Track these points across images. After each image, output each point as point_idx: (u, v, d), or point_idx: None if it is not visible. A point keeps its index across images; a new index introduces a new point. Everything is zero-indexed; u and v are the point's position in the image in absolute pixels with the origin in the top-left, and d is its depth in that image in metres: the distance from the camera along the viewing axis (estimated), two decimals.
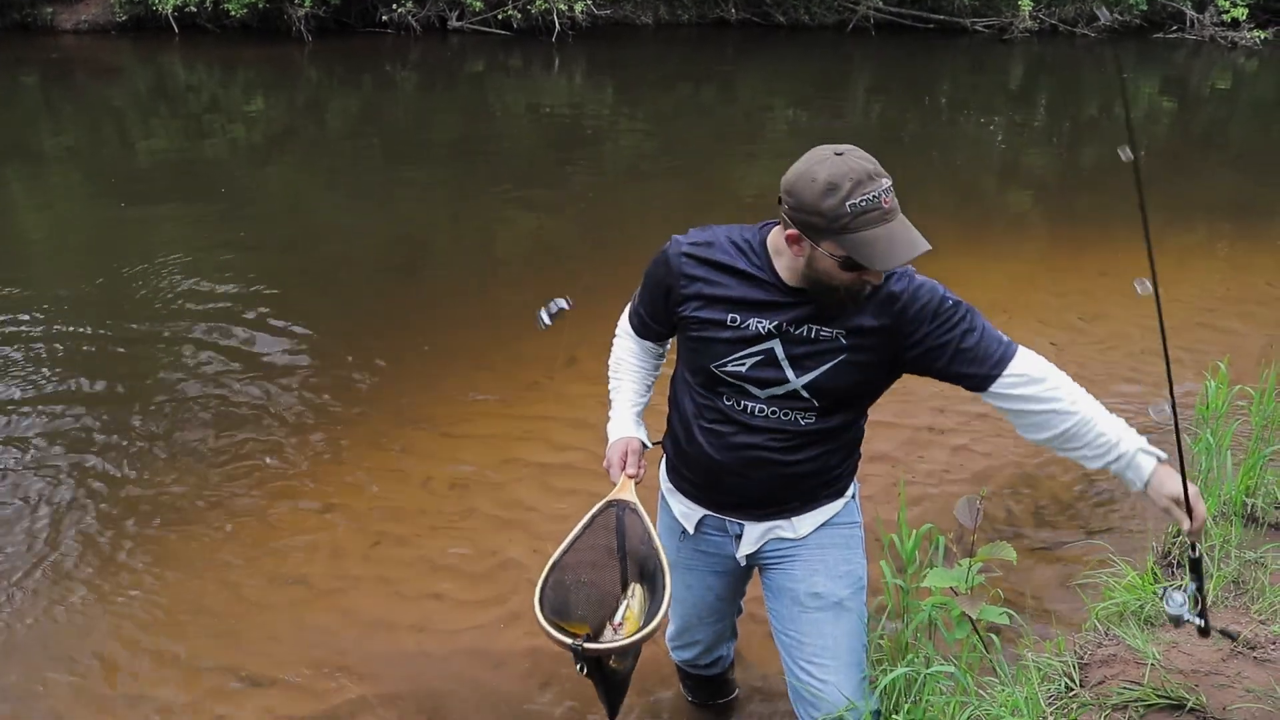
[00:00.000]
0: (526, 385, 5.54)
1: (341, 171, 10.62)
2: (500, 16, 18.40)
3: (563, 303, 2.68)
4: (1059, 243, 8.54)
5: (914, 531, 2.89)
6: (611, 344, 2.69)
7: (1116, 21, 20.03)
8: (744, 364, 2.28)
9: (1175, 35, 20.07)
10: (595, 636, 2.30)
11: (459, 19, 18.62)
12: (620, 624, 2.33)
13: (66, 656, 3.54)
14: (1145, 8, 19.91)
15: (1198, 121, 14.21)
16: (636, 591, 2.36)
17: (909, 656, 2.74)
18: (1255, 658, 2.66)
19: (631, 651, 2.30)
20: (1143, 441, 2.24)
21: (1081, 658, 2.78)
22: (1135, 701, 2.49)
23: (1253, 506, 3.63)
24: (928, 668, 2.59)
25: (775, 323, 2.24)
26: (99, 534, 4.19)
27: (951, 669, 2.55)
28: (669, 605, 2.20)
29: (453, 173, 10.71)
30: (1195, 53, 19.07)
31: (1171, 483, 2.18)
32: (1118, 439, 2.23)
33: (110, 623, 3.71)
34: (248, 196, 9.61)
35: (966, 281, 7.09)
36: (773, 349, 2.26)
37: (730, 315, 2.27)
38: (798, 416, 2.32)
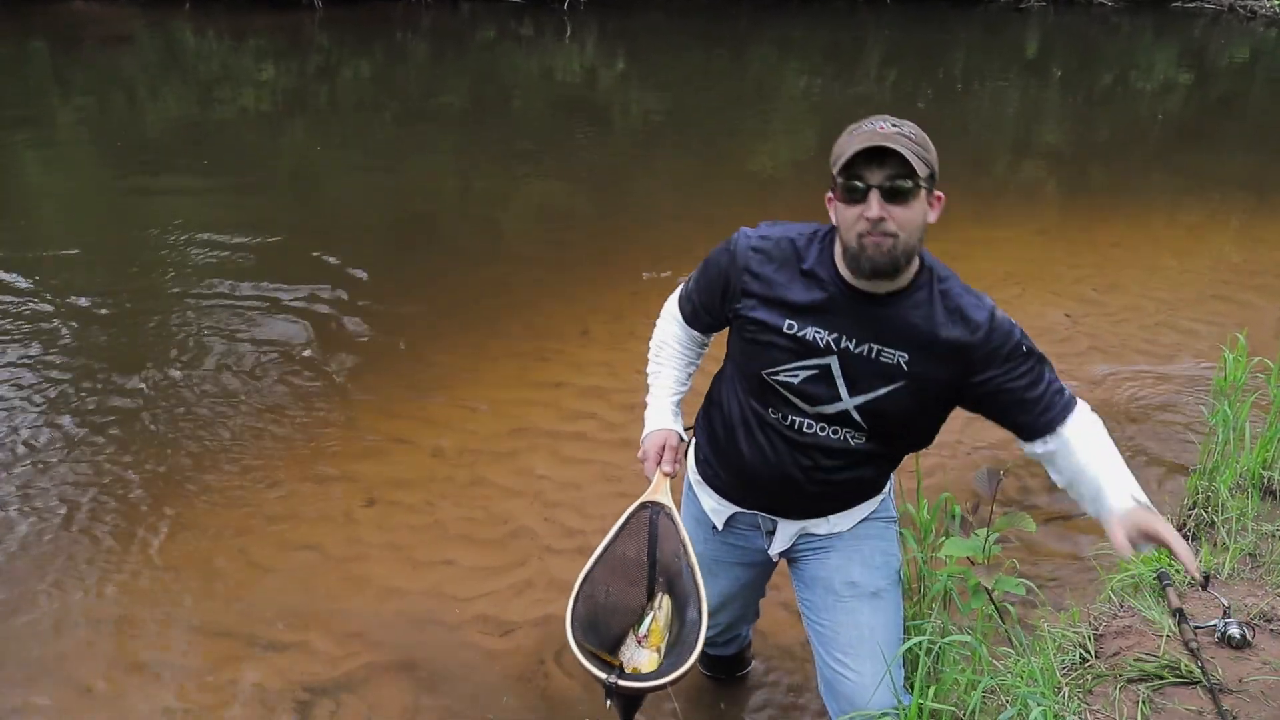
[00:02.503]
0: (538, 354, 5.52)
1: (353, 139, 10.59)
2: None
3: None
4: (1072, 214, 8.48)
5: (927, 502, 2.87)
6: (655, 323, 2.56)
7: None
8: (796, 375, 2.18)
9: (1194, 4, 19.86)
10: (618, 647, 2.22)
11: None
12: (645, 635, 2.23)
13: (78, 622, 3.54)
14: None
15: (1215, 92, 14.07)
16: (664, 603, 2.27)
17: (923, 625, 2.73)
18: (1272, 630, 2.65)
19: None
20: (1133, 492, 2.15)
21: (1096, 629, 2.77)
22: (1150, 675, 2.48)
23: (1270, 480, 3.61)
24: (943, 638, 2.58)
25: (834, 336, 2.14)
26: (107, 499, 4.20)
27: (968, 639, 2.53)
28: (704, 639, 2.09)
29: (464, 141, 10.66)
30: (1214, 22, 18.88)
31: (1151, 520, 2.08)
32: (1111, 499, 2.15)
33: (121, 588, 3.71)
34: (258, 164, 9.58)
35: (980, 253, 7.08)
36: (829, 365, 2.16)
37: (787, 321, 2.17)
38: (848, 436, 2.23)
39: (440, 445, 4.65)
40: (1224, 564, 3.07)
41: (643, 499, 2.35)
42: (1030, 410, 2.17)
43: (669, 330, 2.52)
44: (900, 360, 2.13)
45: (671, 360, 2.51)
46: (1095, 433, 2.20)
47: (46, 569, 3.78)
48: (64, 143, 10.36)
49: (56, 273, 6.59)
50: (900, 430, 2.26)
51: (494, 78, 13.98)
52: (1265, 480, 3.61)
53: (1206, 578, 2.83)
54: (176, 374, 5.22)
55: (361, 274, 6.63)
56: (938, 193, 2.10)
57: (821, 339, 2.15)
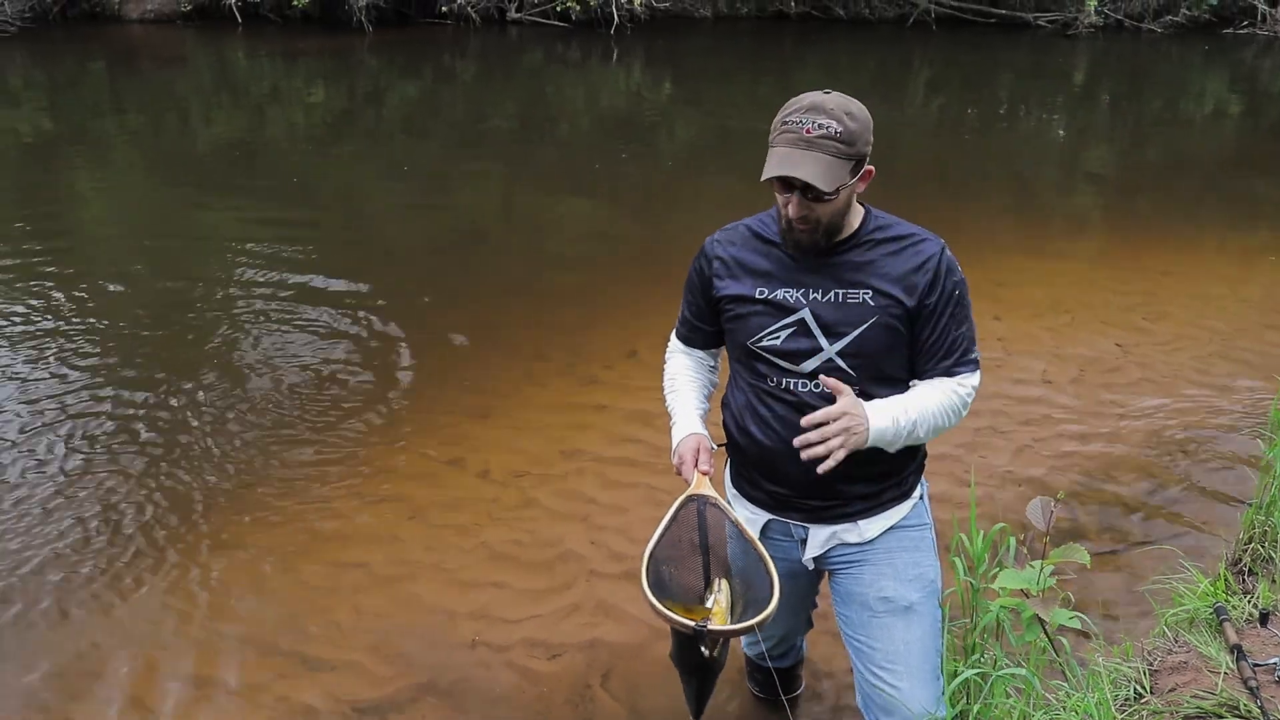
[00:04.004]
0: (586, 378, 5.55)
1: (401, 160, 10.70)
2: (559, 8, 18.45)
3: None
4: (1121, 242, 8.38)
5: (982, 533, 2.85)
6: (665, 356, 2.73)
7: (1185, 17, 19.63)
8: (778, 337, 2.34)
9: (1246, 31, 19.62)
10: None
11: (518, 10, 18.70)
12: (708, 620, 2.27)
13: (127, 636, 3.60)
14: (1215, 3, 19.50)
15: (1266, 120, 13.90)
16: (723, 586, 2.33)
17: (975, 657, 2.71)
18: None
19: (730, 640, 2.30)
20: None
21: (1151, 664, 2.74)
22: (1208, 713, 2.44)
23: None
24: (995, 669, 2.55)
25: (802, 291, 2.32)
26: (161, 516, 4.26)
27: (1021, 671, 2.51)
28: (780, 585, 2.19)
29: (511, 163, 10.75)
30: (1266, 49, 18.65)
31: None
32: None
33: (172, 603, 3.76)
34: (308, 184, 9.71)
35: (1029, 280, 7.03)
36: (804, 318, 2.32)
37: (758, 289, 2.36)
38: None
39: (488, 467, 4.68)
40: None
41: (687, 494, 2.43)
42: (934, 353, 2.34)
43: (676, 362, 2.69)
44: (865, 297, 2.30)
45: (686, 385, 2.64)
46: (940, 388, 2.34)
47: (93, 587, 3.84)
48: (118, 160, 10.57)
49: (106, 289, 6.72)
50: (884, 372, 2.36)
51: (541, 100, 14.09)
52: None
53: (1265, 614, 2.80)
54: (221, 396, 5.30)
55: (409, 295, 6.70)
56: (868, 167, 2.27)
57: (791, 296, 2.33)
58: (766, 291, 2.35)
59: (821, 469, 2.16)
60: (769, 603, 2.14)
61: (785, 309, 2.33)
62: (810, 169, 2.15)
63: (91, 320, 6.17)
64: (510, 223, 8.99)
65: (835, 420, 2.18)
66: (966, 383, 2.36)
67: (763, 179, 2.21)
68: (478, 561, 4.04)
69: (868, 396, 2.31)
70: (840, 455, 2.16)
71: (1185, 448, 4.87)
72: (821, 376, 2.26)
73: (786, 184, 2.20)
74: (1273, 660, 2.57)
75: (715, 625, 2.15)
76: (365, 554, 4.07)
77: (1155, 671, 2.71)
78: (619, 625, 3.67)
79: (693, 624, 2.11)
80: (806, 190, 2.18)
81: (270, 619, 3.71)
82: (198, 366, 5.61)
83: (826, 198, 2.18)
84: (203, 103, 13.46)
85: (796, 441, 2.19)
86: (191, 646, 3.57)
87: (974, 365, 2.38)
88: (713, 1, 20.22)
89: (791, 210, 2.22)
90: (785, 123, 2.20)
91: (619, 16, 18.17)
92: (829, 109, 2.18)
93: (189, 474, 4.57)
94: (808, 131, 2.16)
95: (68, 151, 10.53)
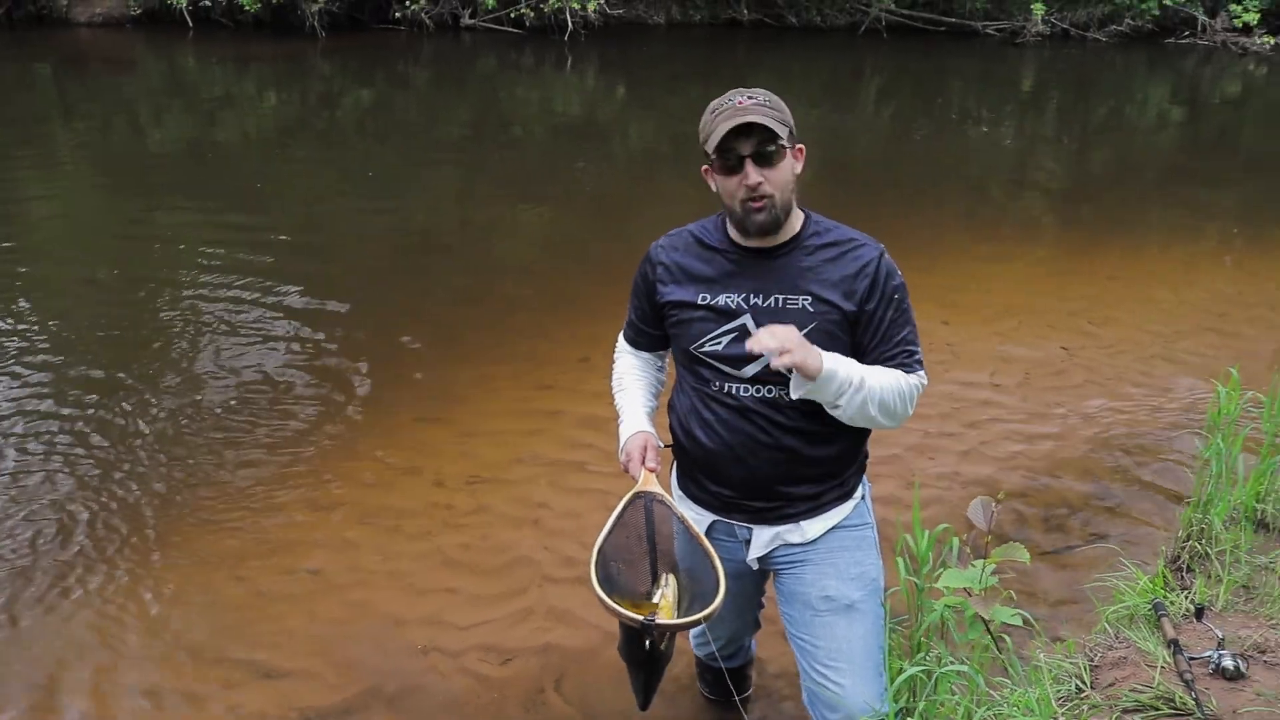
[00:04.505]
0: (539, 383, 5.57)
1: (354, 167, 10.65)
2: (513, 15, 18.43)
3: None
4: (1069, 247, 8.53)
5: (928, 532, 2.90)
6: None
7: (1129, 26, 19.97)
8: (720, 342, 2.39)
9: (1187, 40, 19.99)
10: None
11: (472, 16, 18.66)
12: (656, 614, 2.33)
13: (79, 646, 3.56)
14: (1158, 13, 19.86)
15: (1208, 128, 14.18)
16: (670, 581, 2.38)
17: (920, 655, 2.76)
18: (1265, 662, 2.68)
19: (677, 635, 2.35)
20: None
21: (1092, 660, 2.80)
22: (1145, 706, 2.51)
23: (1263, 512, 3.65)
24: (940, 667, 2.60)
25: (743, 296, 2.38)
26: (111, 524, 4.22)
27: (965, 668, 2.56)
28: (725, 580, 2.23)
29: (465, 170, 10.75)
30: (1206, 59, 19.02)
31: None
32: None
33: (123, 615, 3.73)
34: (262, 190, 9.65)
35: (977, 286, 7.13)
36: (745, 324, 2.36)
37: (700, 294, 2.42)
38: (782, 393, 2.37)
39: (441, 473, 4.68)
40: (1218, 596, 3.10)
41: (634, 490, 2.47)
42: (879, 356, 2.37)
43: (624, 362, 2.75)
44: (804, 304, 2.35)
45: (633, 383, 2.70)
46: (889, 371, 2.37)
47: (45, 596, 3.80)
48: (66, 165, 10.43)
49: (55, 295, 6.64)
50: None
51: (495, 107, 14.08)
52: (1259, 513, 3.64)
53: (1200, 609, 2.87)
54: (175, 401, 5.26)
55: (362, 302, 6.68)
56: (799, 145, 2.38)
57: (733, 301, 2.38)
58: (709, 297, 2.41)
59: (775, 363, 2.15)
60: (714, 597, 2.19)
61: (727, 314, 2.38)
62: (757, 116, 2.24)
63: (40, 327, 6.09)
64: (464, 229, 8.98)
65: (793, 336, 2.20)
66: (913, 377, 2.40)
67: (712, 147, 2.27)
68: (430, 568, 4.04)
69: (808, 406, 2.36)
70: (794, 358, 2.15)
71: (1128, 448, 4.97)
72: (769, 326, 2.26)
73: (732, 163, 2.27)
74: (1207, 653, 2.64)
75: (662, 620, 2.20)
76: (317, 561, 4.06)
77: (1096, 667, 2.77)
78: (572, 629, 3.69)
79: (640, 619, 2.15)
80: (758, 156, 2.26)
81: (221, 627, 3.69)
82: (148, 373, 5.56)
83: (774, 151, 2.26)
84: (153, 108, 13.32)
85: (749, 343, 2.20)
86: (142, 655, 3.54)
87: (919, 365, 2.42)
88: (666, 8, 20.29)
89: (750, 178, 2.26)
90: (715, 108, 2.31)
91: (573, 23, 18.20)
92: (751, 89, 2.32)
93: (139, 482, 4.53)
94: (740, 103, 2.27)
95: (14, 156, 10.37)
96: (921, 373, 2.42)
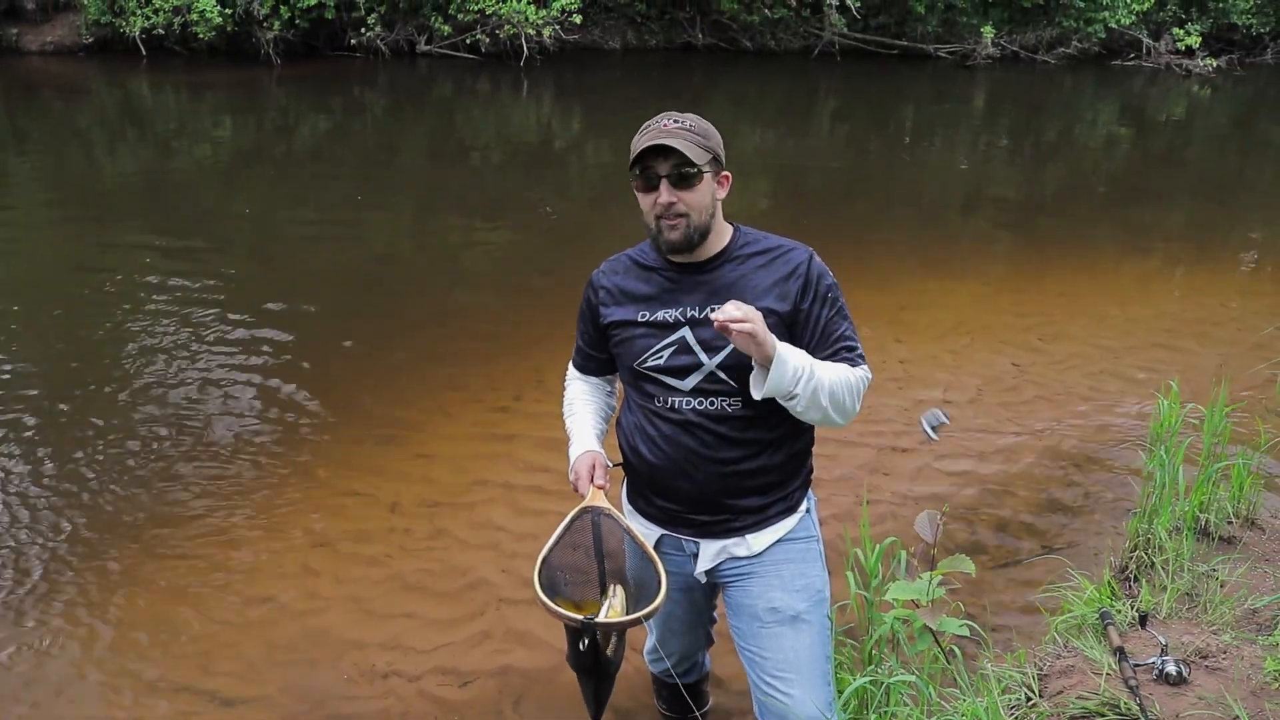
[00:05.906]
0: (496, 407, 5.58)
1: (310, 194, 10.63)
2: (468, 41, 18.45)
3: (943, 417, 2.80)
4: (1020, 265, 8.68)
5: (877, 546, 2.95)
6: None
7: (1076, 49, 20.35)
8: (661, 356, 2.48)
9: (1133, 63, 20.42)
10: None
11: (427, 43, 18.67)
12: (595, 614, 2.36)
13: (34, 680, 3.53)
14: (1104, 35, 20.26)
15: (1155, 148, 14.46)
16: (618, 591, 2.42)
17: (871, 667, 2.80)
18: (1207, 667, 2.74)
19: (625, 641, 2.40)
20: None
21: (1041, 669, 2.86)
22: (1091, 712, 2.56)
23: (1205, 521, 3.73)
24: (890, 678, 2.65)
25: (680, 310, 2.46)
26: (67, 556, 4.19)
27: (912, 678, 2.60)
28: (667, 582, 2.29)
29: (421, 196, 10.76)
30: (1152, 80, 19.41)
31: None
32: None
33: (80, 642, 3.71)
34: (214, 219, 9.59)
35: (930, 303, 7.23)
36: (684, 336, 2.45)
37: (640, 312, 2.51)
38: (723, 404, 2.45)
39: (399, 498, 4.68)
40: (1162, 604, 3.17)
41: (582, 505, 2.52)
42: (821, 351, 2.44)
43: (574, 388, 2.83)
44: None
45: (583, 408, 2.77)
46: (836, 364, 2.43)
47: None
48: (17, 194, 10.34)
49: (6, 324, 6.57)
50: None
51: (452, 133, 14.10)
52: (1201, 522, 3.73)
53: (1144, 616, 2.94)
54: (129, 433, 5.22)
55: (318, 329, 6.67)
56: (725, 173, 2.48)
57: (670, 315, 2.48)
58: (648, 314, 2.50)
59: (736, 328, 2.19)
60: (656, 597, 2.24)
61: (666, 328, 2.47)
62: (675, 141, 2.34)
63: None
64: (421, 255, 8.98)
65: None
66: (859, 370, 2.46)
67: (630, 164, 2.40)
68: (389, 592, 4.04)
69: (749, 414, 2.43)
70: (754, 327, 2.20)
71: (1077, 461, 5.06)
72: (733, 300, 2.29)
73: (650, 181, 2.38)
74: (1151, 660, 2.70)
75: (602, 620, 2.25)
76: (275, 588, 4.05)
77: (1045, 676, 2.83)
78: (530, 651, 3.70)
79: (580, 618, 2.21)
80: (674, 177, 2.35)
81: (179, 656, 3.67)
82: (101, 405, 5.52)
83: (692, 174, 2.35)
84: (107, 136, 13.23)
85: (714, 315, 2.23)
86: (98, 687, 3.52)
87: (862, 360, 2.49)
88: (621, 33, 20.41)
89: (662, 197, 2.37)
90: (644, 128, 2.44)
91: (528, 49, 18.26)
92: (678, 115, 2.44)
93: (92, 512, 4.50)
94: (664, 126, 2.39)
95: None
96: (865, 367, 2.49)
